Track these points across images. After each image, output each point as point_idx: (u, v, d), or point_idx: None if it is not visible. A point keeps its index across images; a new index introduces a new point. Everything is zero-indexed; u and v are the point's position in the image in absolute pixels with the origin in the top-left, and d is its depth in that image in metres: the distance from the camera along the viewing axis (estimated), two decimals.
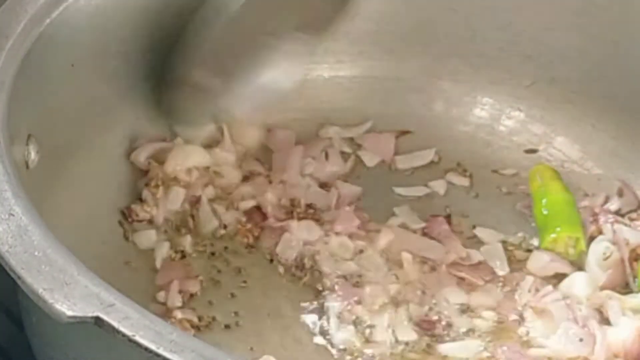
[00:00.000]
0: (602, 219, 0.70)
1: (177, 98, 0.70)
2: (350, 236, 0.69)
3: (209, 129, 0.73)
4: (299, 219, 0.69)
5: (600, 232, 0.70)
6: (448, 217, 0.72)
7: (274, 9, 0.69)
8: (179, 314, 0.63)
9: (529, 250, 0.70)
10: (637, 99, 0.74)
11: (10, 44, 0.59)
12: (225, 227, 0.69)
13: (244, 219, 0.70)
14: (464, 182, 0.75)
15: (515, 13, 0.75)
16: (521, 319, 0.65)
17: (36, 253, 0.48)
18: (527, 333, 0.65)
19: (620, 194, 0.73)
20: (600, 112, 0.75)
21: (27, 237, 0.48)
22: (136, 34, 0.69)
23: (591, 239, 0.69)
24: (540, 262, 0.68)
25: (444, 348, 0.64)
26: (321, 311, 0.65)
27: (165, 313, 0.64)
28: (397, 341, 0.63)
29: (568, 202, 0.71)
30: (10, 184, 0.51)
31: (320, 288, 0.66)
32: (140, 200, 0.69)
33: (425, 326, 0.65)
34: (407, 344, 0.63)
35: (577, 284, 0.67)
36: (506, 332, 0.65)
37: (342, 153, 0.75)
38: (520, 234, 0.71)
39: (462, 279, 0.67)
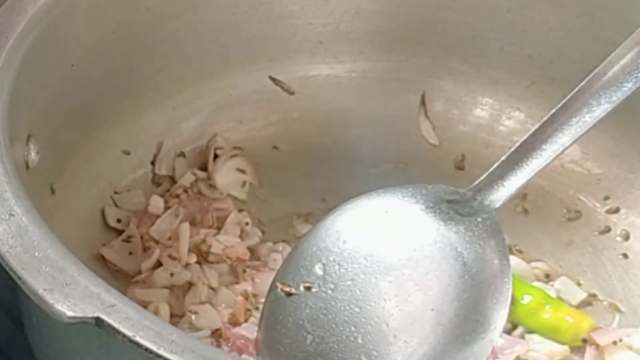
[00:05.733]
0: None
1: None
2: None
3: None
4: None
5: None
6: None
7: None
8: None
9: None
10: (637, 99, 0.73)
11: (10, 44, 0.59)
12: None
13: None
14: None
15: (515, 13, 0.75)
16: None
17: (36, 253, 0.48)
18: None
19: None
20: None
21: (27, 238, 0.48)
22: (136, 34, 0.69)
23: None
24: None
25: None
26: None
27: None
28: None
29: None
30: (10, 184, 0.51)
31: None
32: None
33: None
34: None
35: None
36: None
37: None
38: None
39: None
